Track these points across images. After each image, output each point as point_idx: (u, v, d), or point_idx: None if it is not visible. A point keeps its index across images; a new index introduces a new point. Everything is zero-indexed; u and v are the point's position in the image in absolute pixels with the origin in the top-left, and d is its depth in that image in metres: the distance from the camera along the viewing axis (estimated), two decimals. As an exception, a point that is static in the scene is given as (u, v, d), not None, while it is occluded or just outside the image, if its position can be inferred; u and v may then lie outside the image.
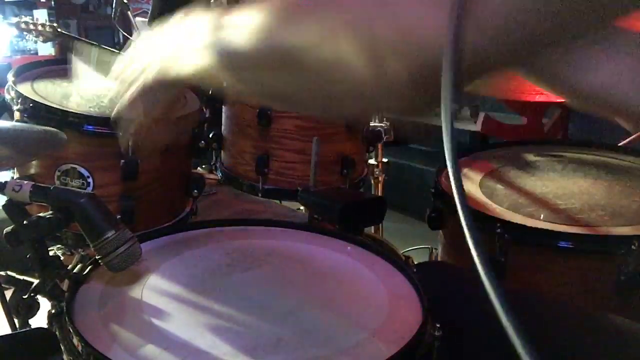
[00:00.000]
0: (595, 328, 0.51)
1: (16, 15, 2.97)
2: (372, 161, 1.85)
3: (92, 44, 2.79)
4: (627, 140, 2.03)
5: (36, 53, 6.51)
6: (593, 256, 1.12)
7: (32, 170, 1.20)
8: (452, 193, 0.37)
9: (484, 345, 0.92)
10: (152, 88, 0.72)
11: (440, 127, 0.37)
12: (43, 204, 0.86)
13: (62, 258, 1.21)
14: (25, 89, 1.23)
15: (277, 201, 1.69)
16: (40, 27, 2.76)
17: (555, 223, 1.18)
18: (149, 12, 2.47)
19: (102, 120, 1.18)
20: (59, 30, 2.81)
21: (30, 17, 2.85)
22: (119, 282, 0.90)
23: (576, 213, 1.22)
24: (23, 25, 2.76)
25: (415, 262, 1.38)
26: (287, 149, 1.45)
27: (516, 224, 1.16)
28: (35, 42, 3.06)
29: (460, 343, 0.92)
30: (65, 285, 0.89)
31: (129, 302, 0.87)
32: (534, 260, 1.16)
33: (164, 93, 0.74)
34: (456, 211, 0.36)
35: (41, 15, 6.12)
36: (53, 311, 0.84)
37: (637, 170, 1.46)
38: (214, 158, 1.62)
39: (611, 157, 1.54)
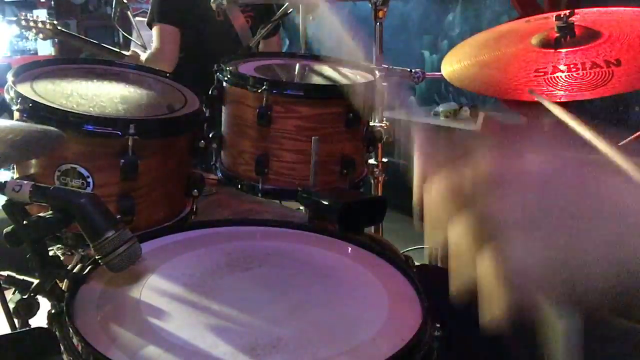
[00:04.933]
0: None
1: (16, 15, 2.97)
2: (372, 161, 1.85)
3: (94, 43, 2.80)
4: (627, 140, 2.03)
5: (36, 53, 6.50)
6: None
7: (32, 170, 1.20)
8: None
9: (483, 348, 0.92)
10: None
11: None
12: (43, 204, 0.86)
13: (62, 258, 1.21)
14: (25, 89, 1.23)
15: (277, 201, 1.69)
16: (40, 25, 2.77)
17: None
18: (148, 11, 2.46)
19: (102, 120, 1.18)
20: (58, 27, 2.82)
21: (31, 15, 2.86)
22: (119, 282, 0.90)
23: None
24: (23, 22, 2.76)
25: (415, 263, 1.38)
26: (287, 149, 1.44)
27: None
28: (35, 39, 3.05)
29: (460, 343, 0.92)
30: (65, 285, 0.89)
31: (129, 302, 0.87)
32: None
33: None
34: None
35: (41, 15, 6.10)
36: (53, 311, 0.84)
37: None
38: (213, 158, 1.62)
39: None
